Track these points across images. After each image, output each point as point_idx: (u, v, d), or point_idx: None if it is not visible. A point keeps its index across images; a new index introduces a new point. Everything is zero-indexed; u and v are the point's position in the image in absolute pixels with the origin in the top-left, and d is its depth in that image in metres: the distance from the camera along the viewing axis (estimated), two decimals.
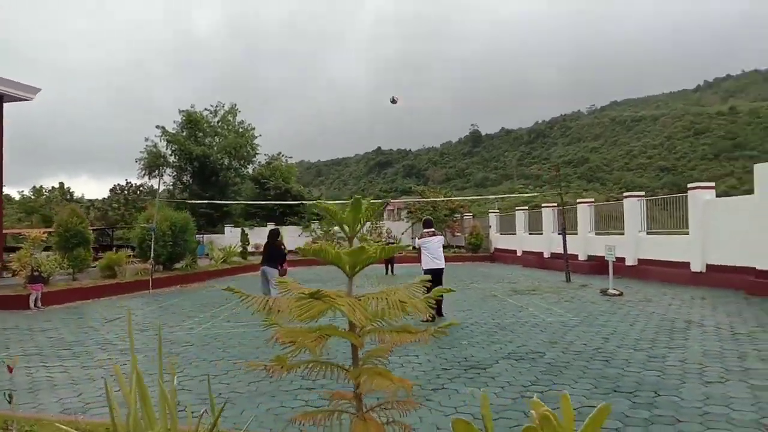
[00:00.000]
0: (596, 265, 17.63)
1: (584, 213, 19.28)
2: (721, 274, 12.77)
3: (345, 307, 2.49)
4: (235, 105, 37.66)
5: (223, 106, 37.85)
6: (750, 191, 12.03)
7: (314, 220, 33.98)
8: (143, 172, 36.09)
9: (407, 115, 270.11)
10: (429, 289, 9.00)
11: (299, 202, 33.69)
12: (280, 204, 34.48)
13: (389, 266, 20.27)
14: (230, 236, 31.91)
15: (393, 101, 15.96)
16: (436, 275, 9.53)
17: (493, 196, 56.37)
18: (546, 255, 21.69)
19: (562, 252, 16.63)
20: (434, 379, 5.83)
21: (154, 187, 55.61)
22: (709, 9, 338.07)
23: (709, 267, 13.30)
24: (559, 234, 18.16)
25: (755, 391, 5.03)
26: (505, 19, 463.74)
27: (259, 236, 29.82)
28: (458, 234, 32.39)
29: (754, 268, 11.37)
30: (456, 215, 32.18)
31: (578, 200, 20.16)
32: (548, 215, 21.86)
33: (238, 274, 21.47)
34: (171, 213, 18.31)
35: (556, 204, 23.17)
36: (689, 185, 14.22)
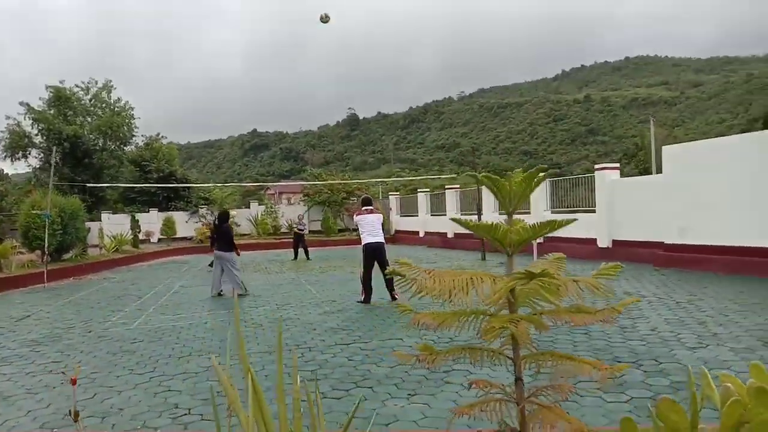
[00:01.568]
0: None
1: (488, 194, 20.03)
2: (627, 248, 13.87)
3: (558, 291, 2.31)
4: (110, 81, 34.66)
5: (96, 83, 34.70)
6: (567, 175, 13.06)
7: (202, 205, 32.39)
8: (4, 154, 32.21)
9: (283, 97, 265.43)
10: (370, 267, 8.95)
11: (187, 185, 31.94)
12: (162, 188, 32.44)
13: (300, 250, 19.75)
14: (108, 223, 29.45)
15: (324, 20, 14.36)
16: (376, 250, 9.60)
17: (390, 179, 56.85)
18: (450, 235, 22.34)
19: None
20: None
21: (8, 172, 50.00)
22: (566, 4, 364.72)
23: (614, 242, 14.39)
24: (474, 214, 18.72)
25: (740, 353, 5.47)
26: (379, 3, 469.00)
27: (147, 223, 27.97)
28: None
29: (662, 242, 12.45)
30: (353, 198, 32.17)
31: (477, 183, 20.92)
32: (452, 197, 22.50)
33: (133, 264, 19.91)
34: (59, 199, 16.54)
35: (458, 186, 23.95)
36: (596, 166, 15.26)
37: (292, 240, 20.51)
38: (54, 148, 16.43)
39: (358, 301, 9.54)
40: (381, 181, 41.06)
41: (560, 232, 10.74)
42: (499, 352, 2.63)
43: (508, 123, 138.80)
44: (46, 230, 14.33)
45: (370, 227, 9.80)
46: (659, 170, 22.30)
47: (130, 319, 9.05)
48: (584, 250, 14.96)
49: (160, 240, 27.58)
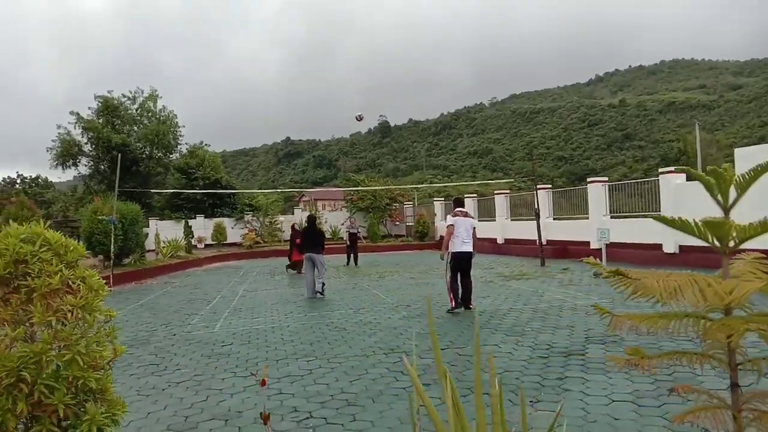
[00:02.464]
0: (556, 250, 18.17)
1: (544, 197, 19.77)
2: (695, 254, 13.47)
3: None
4: (156, 91, 35.34)
5: (142, 93, 35.43)
6: (638, 178, 12.68)
7: (247, 211, 32.69)
8: (55, 162, 33.04)
9: (316, 105, 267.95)
10: (457, 274, 8.60)
11: (232, 191, 32.30)
12: (209, 194, 32.89)
13: (351, 256, 19.74)
14: (155, 230, 29.90)
15: (359, 119, 15.01)
16: (465, 260, 9.11)
17: (425, 185, 56.61)
18: (500, 241, 22.10)
19: (533, 237, 16.99)
20: (544, 370, 5.60)
21: (52, 179, 51.38)
22: (598, 8, 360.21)
23: (681, 248, 14.01)
24: (531, 219, 18.50)
25: None
26: (410, 12, 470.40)
27: (200, 229, 28.38)
28: (398, 223, 32.38)
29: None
30: (396, 204, 32.14)
31: (538, 186, 20.60)
32: (501, 202, 22.28)
33: (188, 269, 20.16)
34: (120, 205, 16.83)
35: (509, 191, 23.71)
36: (660, 170, 14.92)
37: (345, 245, 20.55)
38: (118, 156, 16.66)
39: (448, 311, 8.97)
40: (415, 187, 40.92)
41: (623, 238, 10.66)
42: (710, 356, 2.50)
43: (542, 128, 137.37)
44: (112, 235, 14.60)
45: (464, 233, 9.09)
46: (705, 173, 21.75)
47: (210, 322, 9.11)
48: (649, 256, 14.62)
49: (208, 246, 27.91)
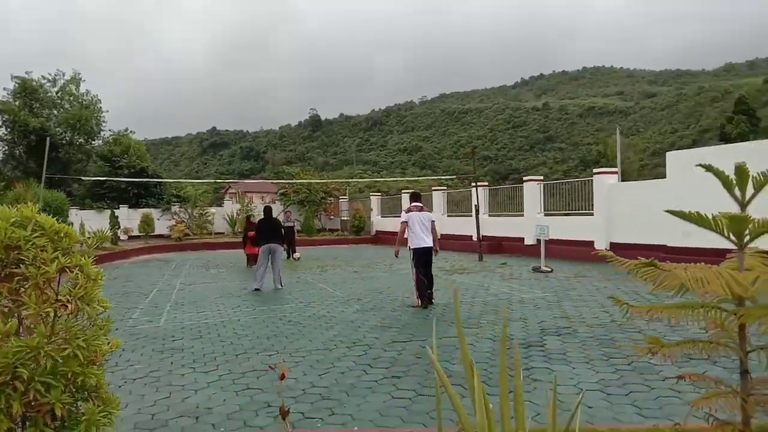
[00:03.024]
0: (491, 245, 18.61)
1: (483, 194, 20.20)
2: (624, 251, 14.14)
3: None
4: (79, 74, 33.37)
5: (64, 75, 33.38)
6: (560, 179, 13.38)
7: (175, 202, 31.58)
8: None
9: (245, 96, 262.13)
10: (421, 270, 8.60)
11: (159, 180, 31.09)
12: (133, 184, 31.49)
13: (289, 250, 19.43)
14: (76, 220, 28.29)
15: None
16: (425, 255, 9.12)
17: (355, 179, 56.32)
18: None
19: (468, 233, 17.32)
20: (508, 361, 5.72)
21: None
22: (528, 15, 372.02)
23: (612, 245, 14.68)
24: (466, 215, 18.85)
25: None
26: (345, 6, 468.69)
27: (126, 220, 27.16)
28: (333, 217, 32.23)
29: (665, 245, 12.78)
30: (330, 198, 31.97)
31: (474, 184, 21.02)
32: (439, 198, 22.58)
33: (115, 261, 19.22)
34: (45, 192, 15.83)
35: (445, 187, 24.07)
36: (594, 170, 15.58)
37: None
38: (47, 139, 15.65)
39: (411, 306, 8.90)
40: (348, 182, 40.94)
41: (557, 235, 10.99)
42: (721, 344, 2.62)
43: (469, 128, 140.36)
44: None
45: (421, 228, 9.03)
46: (624, 177, 22.96)
47: (153, 316, 8.73)
48: (582, 252, 15.22)
49: (133, 237, 26.70)
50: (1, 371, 2.22)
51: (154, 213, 30.21)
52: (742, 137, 54.36)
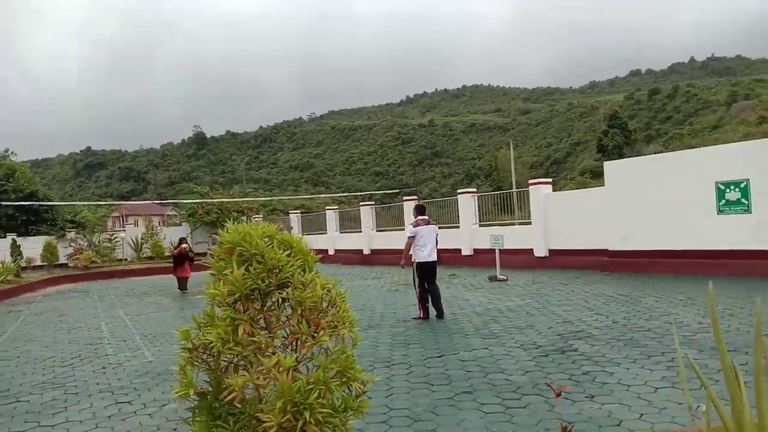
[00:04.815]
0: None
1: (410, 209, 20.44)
2: (565, 257, 14.96)
3: None
4: None
5: None
6: (447, 194, 14.22)
7: (70, 228, 29.11)
8: None
9: (123, 113, 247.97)
10: (424, 283, 8.66)
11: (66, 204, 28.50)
12: (22, 210, 28.68)
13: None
14: None
15: None
16: (430, 270, 9.06)
17: (248, 198, 54.28)
18: (366, 252, 22.37)
19: (400, 247, 17.41)
20: (559, 367, 5.85)
21: None
22: (407, 33, 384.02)
23: (552, 252, 15.44)
24: (398, 229, 18.95)
25: None
26: (227, 19, 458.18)
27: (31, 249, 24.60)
28: None
29: (606, 249, 13.63)
30: (243, 217, 30.90)
31: (405, 198, 21.25)
32: (367, 213, 22.57)
33: (22, 295, 17.31)
34: None
35: (373, 203, 24.13)
36: (530, 181, 16.29)
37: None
38: None
39: (414, 318, 8.91)
40: (263, 200, 39.87)
41: (506, 245, 10.96)
42: None
43: (360, 144, 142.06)
44: None
45: (428, 242, 9.00)
46: (517, 186, 24.26)
47: (130, 352, 7.97)
48: (521, 259, 15.85)
49: (35, 267, 24.22)
50: (289, 408, 1.95)
51: (41, 241, 27.60)
52: (618, 148, 59.66)
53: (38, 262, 24.20)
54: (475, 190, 19.30)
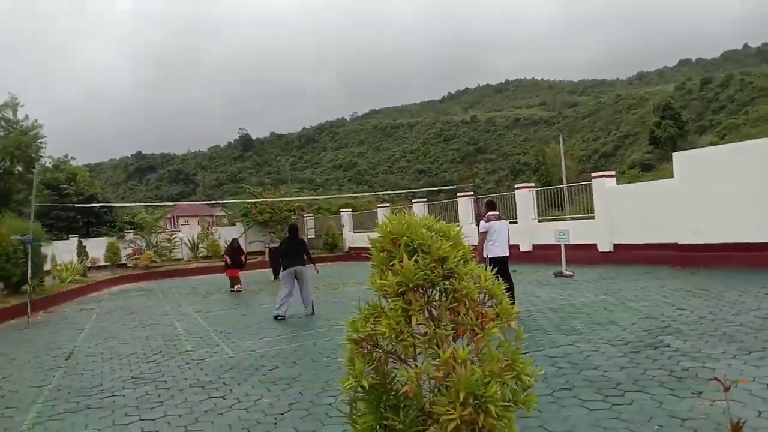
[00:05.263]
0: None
1: (465, 206, 20.30)
2: (630, 251, 14.53)
3: None
4: (16, 98, 31.19)
5: None
6: (490, 190, 13.75)
7: (128, 230, 29.97)
8: None
9: (170, 117, 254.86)
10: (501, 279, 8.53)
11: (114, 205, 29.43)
12: (84, 212, 29.71)
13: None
14: (48, 251, 26.05)
15: None
16: (503, 264, 8.94)
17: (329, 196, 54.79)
18: None
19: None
20: (666, 363, 5.64)
21: None
22: (447, 29, 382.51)
23: (616, 246, 15.03)
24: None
25: None
26: (268, 21, 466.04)
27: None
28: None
29: (676, 243, 13.16)
30: (295, 216, 31.23)
31: (458, 195, 21.05)
32: (420, 210, 22.48)
33: (90, 294, 17.92)
34: (19, 223, 14.59)
35: (426, 200, 24.07)
36: (593, 174, 15.91)
37: (268, 260, 19.72)
38: (36, 166, 14.33)
39: None
40: (313, 198, 40.20)
41: (554, 239, 10.70)
42: None
43: (402, 143, 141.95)
44: (29, 259, 12.57)
45: (500, 236, 9.00)
46: (567, 181, 23.72)
47: (208, 347, 8.10)
48: (584, 255, 15.47)
49: (99, 267, 25.07)
50: (467, 402, 1.87)
51: (104, 242, 28.51)
52: (672, 140, 57.83)
53: (101, 263, 25.01)
54: (533, 184, 18.98)
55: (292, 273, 10.60)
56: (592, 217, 15.68)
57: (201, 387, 6.01)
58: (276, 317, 10.09)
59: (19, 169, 31.48)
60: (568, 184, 19.99)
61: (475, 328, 1.99)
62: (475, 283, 2.09)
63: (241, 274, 16.70)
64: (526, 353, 6.04)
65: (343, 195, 74.25)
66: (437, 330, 1.96)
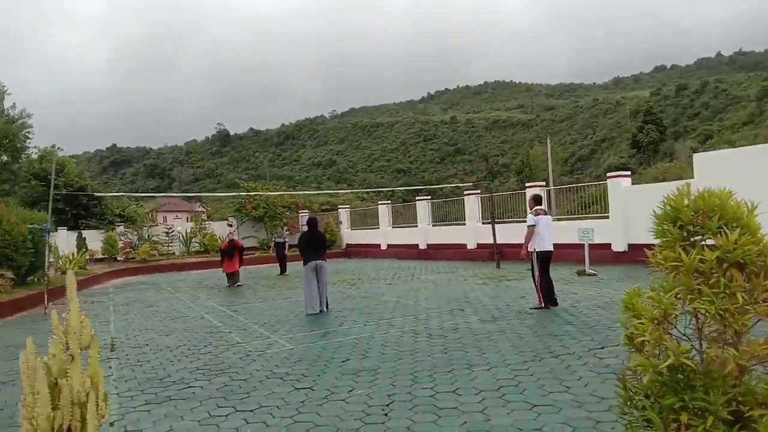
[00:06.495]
0: (490, 252, 18.73)
1: (472, 204, 20.31)
2: (640, 252, 14.66)
3: None
4: (3, 86, 30.23)
5: None
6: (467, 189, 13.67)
7: (119, 223, 29.35)
8: None
9: (147, 111, 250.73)
10: (546, 274, 8.52)
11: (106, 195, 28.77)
12: (73, 204, 29.04)
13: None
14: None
15: None
16: (549, 257, 9.02)
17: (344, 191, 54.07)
18: (422, 246, 22.23)
19: (460, 242, 17.35)
20: None
21: None
22: (427, 30, 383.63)
23: (631, 246, 15.17)
24: (486, 223, 18.92)
25: None
26: (248, 17, 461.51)
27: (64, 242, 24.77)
28: (293, 232, 31.18)
29: None
30: (289, 212, 30.92)
31: (466, 192, 21.02)
32: (423, 208, 22.44)
33: (93, 287, 17.46)
34: (26, 212, 14.15)
35: (430, 197, 24.02)
36: (608, 174, 16.06)
37: (274, 254, 19.60)
38: (55, 155, 13.88)
39: (534, 308, 8.83)
40: (305, 194, 39.90)
41: (572, 239, 11.08)
42: None
43: (381, 142, 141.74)
44: (46, 248, 12.18)
45: (548, 230, 9.08)
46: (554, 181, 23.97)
47: (259, 340, 7.92)
48: (597, 254, 15.56)
49: (96, 260, 24.47)
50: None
51: (97, 234, 27.85)
52: (653, 144, 58.91)
53: (98, 255, 24.42)
54: (544, 183, 19.09)
55: (313, 267, 10.08)
56: (607, 217, 15.81)
57: (280, 378, 5.86)
58: (309, 315, 9.78)
59: (5, 158, 30.57)
60: (554, 186, 20.19)
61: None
62: None
63: (247, 269, 16.41)
64: (602, 348, 6.10)
65: (322, 192, 73.89)
66: (756, 307, 1.89)
